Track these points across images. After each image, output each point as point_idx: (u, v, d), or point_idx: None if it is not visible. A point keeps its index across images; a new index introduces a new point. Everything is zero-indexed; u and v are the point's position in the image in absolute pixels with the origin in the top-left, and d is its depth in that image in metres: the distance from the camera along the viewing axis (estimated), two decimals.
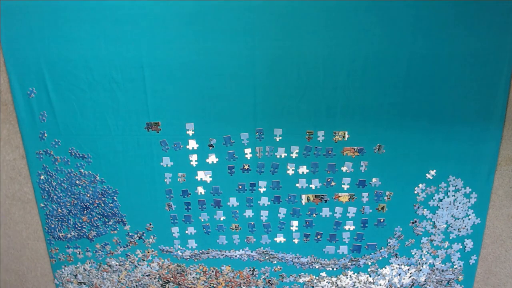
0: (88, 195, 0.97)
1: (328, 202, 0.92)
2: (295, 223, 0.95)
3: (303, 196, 0.93)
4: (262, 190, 0.93)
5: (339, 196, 0.92)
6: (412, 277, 0.98)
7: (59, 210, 1.00)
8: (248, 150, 0.89)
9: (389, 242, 0.95)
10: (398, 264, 0.97)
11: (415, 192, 0.90)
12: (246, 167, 0.91)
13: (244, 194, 0.94)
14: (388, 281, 0.99)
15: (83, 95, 0.88)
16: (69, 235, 1.03)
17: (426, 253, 0.95)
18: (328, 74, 0.81)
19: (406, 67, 0.80)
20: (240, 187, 0.93)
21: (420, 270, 0.97)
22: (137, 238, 1.01)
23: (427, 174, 0.88)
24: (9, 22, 0.84)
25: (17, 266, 1.11)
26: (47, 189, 0.98)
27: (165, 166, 0.92)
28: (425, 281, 0.98)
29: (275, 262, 1.00)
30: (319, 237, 0.96)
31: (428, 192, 0.89)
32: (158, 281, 1.06)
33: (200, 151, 0.91)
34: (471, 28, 0.76)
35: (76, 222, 1.01)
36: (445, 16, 0.75)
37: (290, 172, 0.91)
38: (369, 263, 0.97)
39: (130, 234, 1.01)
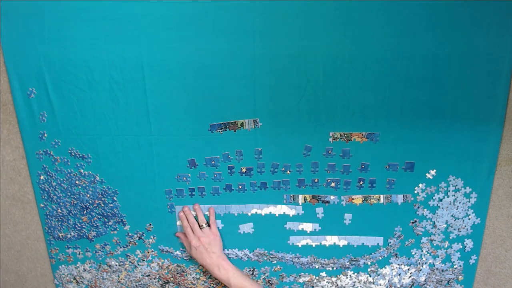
0: (88, 195, 0.97)
1: (338, 205, 0.92)
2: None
3: (300, 196, 0.93)
4: (262, 190, 0.93)
5: (353, 199, 0.92)
6: (412, 277, 0.98)
7: (59, 210, 1.00)
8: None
9: (389, 242, 0.95)
10: (398, 264, 0.97)
11: (415, 192, 0.90)
12: (244, 169, 0.91)
13: (244, 194, 0.94)
14: (388, 281, 0.99)
15: (83, 95, 0.88)
16: (69, 235, 1.03)
17: (426, 253, 0.95)
18: (328, 74, 0.81)
19: (406, 67, 0.80)
20: (240, 187, 0.93)
21: (420, 270, 0.97)
22: (137, 238, 1.01)
23: (427, 174, 0.88)
24: (9, 22, 0.84)
25: (17, 266, 1.11)
26: (47, 189, 0.98)
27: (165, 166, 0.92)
28: (425, 281, 0.98)
29: (275, 262, 1.00)
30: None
31: (428, 192, 0.89)
32: (158, 281, 1.06)
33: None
34: (471, 28, 0.76)
35: (76, 222, 1.01)
36: (445, 16, 0.75)
37: (289, 172, 0.91)
38: (369, 263, 0.97)
39: (130, 234, 1.01)
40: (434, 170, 0.87)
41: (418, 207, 0.91)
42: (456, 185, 0.88)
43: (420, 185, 0.89)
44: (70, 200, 0.99)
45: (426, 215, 0.91)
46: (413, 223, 0.92)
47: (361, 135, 0.85)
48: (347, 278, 0.99)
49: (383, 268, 0.98)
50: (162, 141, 0.90)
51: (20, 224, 1.06)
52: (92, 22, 0.82)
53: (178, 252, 1.01)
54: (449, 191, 0.89)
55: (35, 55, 0.86)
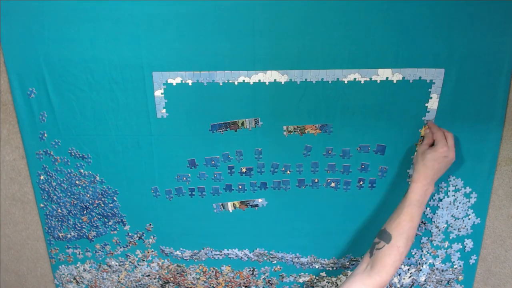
0: (88, 195, 0.97)
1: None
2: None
3: (229, 204, 0.93)
4: (262, 190, 0.93)
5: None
6: (412, 277, 0.98)
7: (59, 210, 1.00)
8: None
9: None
10: None
11: None
12: (244, 169, 0.91)
13: (244, 194, 0.94)
14: None
15: (83, 95, 0.88)
16: (69, 235, 1.03)
17: (426, 253, 0.95)
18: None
19: (406, 67, 0.80)
20: (240, 187, 0.93)
21: (420, 270, 0.97)
22: (137, 238, 1.01)
23: None
24: (9, 22, 0.84)
25: (17, 266, 1.11)
26: (47, 189, 0.98)
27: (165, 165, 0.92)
28: (425, 281, 0.98)
29: (275, 262, 1.00)
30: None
31: None
32: (158, 281, 1.06)
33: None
34: (471, 28, 0.76)
35: (76, 222, 1.01)
36: (445, 16, 0.75)
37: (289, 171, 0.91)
38: None
39: (130, 234, 1.01)
40: None
41: (431, 209, 0.90)
42: (456, 185, 0.88)
43: None
44: (70, 200, 0.99)
45: (427, 215, 0.91)
46: (422, 223, 0.92)
47: (314, 127, 0.85)
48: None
49: None
50: (162, 141, 0.90)
51: (20, 224, 1.06)
52: (92, 22, 0.82)
53: (178, 252, 1.01)
54: (449, 191, 0.89)
55: (35, 55, 0.86)
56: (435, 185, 0.81)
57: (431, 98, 0.81)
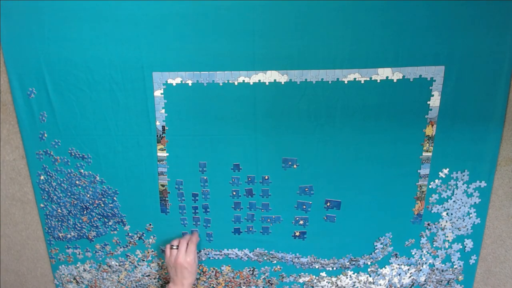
0: (88, 195, 0.97)
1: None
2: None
3: None
4: (262, 190, 0.93)
5: None
6: (412, 277, 0.98)
7: (59, 211, 1.00)
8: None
9: (376, 246, 0.95)
10: (398, 264, 0.97)
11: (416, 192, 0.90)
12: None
13: (245, 195, 0.94)
14: (388, 281, 0.99)
15: (83, 95, 0.88)
16: (69, 236, 1.03)
17: (426, 253, 0.95)
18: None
19: (405, 67, 0.80)
20: (239, 188, 0.93)
21: (420, 270, 0.97)
22: (137, 238, 1.01)
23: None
24: (9, 22, 0.84)
25: (17, 266, 1.11)
26: (47, 189, 0.99)
27: (165, 166, 0.92)
28: (425, 281, 0.98)
29: (275, 262, 1.00)
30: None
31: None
32: (158, 281, 1.06)
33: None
34: (471, 28, 0.76)
35: (76, 223, 1.01)
36: (445, 16, 0.75)
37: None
38: (369, 263, 0.97)
39: (130, 234, 1.01)
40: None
41: (431, 208, 0.90)
42: (457, 185, 0.88)
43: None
44: (70, 200, 0.99)
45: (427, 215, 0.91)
46: (428, 224, 0.92)
47: None
48: (347, 278, 0.99)
49: (383, 268, 0.98)
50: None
51: (20, 224, 1.06)
52: (92, 22, 0.82)
53: None
54: (450, 190, 0.89)
55: (35, 55, 0.86)
56: None
57: (433, 95, 0.81)
